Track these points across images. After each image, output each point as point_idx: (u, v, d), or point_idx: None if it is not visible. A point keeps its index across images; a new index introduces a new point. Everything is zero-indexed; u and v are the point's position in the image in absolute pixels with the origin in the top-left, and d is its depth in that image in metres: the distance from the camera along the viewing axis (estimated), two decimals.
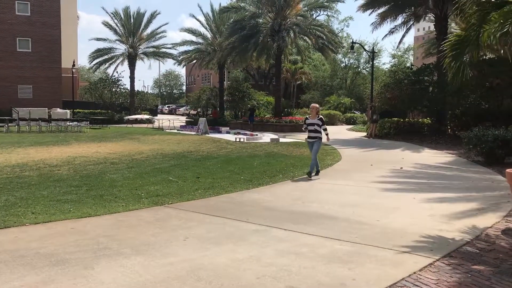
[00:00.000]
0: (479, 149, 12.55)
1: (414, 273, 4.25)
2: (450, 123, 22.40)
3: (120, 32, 43.08)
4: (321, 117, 10.70)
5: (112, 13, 42.61)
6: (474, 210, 6.94)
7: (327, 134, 10.74)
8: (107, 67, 44.42)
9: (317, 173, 10.47)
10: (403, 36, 28.34)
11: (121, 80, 41.58)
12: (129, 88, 43.05)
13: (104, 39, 43.18)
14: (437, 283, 4.02)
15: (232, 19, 34.36)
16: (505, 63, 17.87)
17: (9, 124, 26.57)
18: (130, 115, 38.53)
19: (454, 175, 10.72)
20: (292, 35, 29.26)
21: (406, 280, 4.07)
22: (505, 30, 5.69)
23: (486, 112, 19.19)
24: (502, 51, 6.04)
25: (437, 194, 8.21)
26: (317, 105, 11.09)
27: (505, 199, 7.55)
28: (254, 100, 37.12)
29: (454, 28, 30.42)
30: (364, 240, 5.28)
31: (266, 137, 22.33)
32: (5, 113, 29.59)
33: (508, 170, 6.15)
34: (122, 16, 42.97)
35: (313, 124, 10.60)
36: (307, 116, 11.01)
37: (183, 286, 3.91)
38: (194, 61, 42.00)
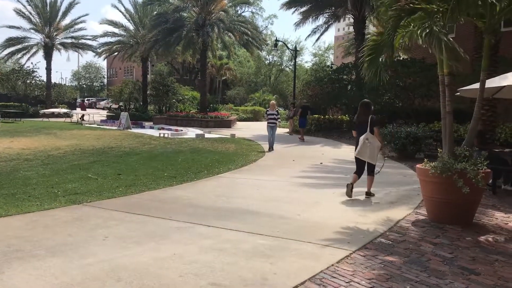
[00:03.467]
0: (393, 145, 13.33)
1: (332, 265, 4.43)
2: None
3: (35, 21, 40.47)
4: (277, 110, 16.55)
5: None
6: (388, 203, 7.37)
7: (279, 120, 16.70)
8: (21, 57, 41.64)
9: (272, 149, 15.18)
10: (321, 34, 29.36)
11: (36, 71, 39.29)
12: (45, 80, 40.70)
13: (18, 27, 40.45)
14: (353, 274, 4.22)
15: (155, 12, 33.65)
16: (417, 64, 19.13)
17: None
18: (46, 109, 36.50)
19: None
20: (216, 30, 29.26)
21: (324, 272, 4.24)
22: (426, 31, 6.05)
23: (399, 110, 20.37)
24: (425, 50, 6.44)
25: (354, 189, 8.59)
26: (274, 102, 17.29)
27: (415, 192, 8.08)
28: (179, 95, 36.55)
29: (371, 29, 31.97)
30: (285, 234, 5.42)
31: (191, 132, 22.16)
32: None
33: (418, 165, 6.58)
34: (37, 3, 40.40)
35: (272, 114, 15.88)
36: (268, 109, 16.54)
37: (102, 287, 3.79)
38: (116, 53, 40.60)
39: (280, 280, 4.03)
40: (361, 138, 7.70)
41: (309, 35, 29.56)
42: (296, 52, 35.51)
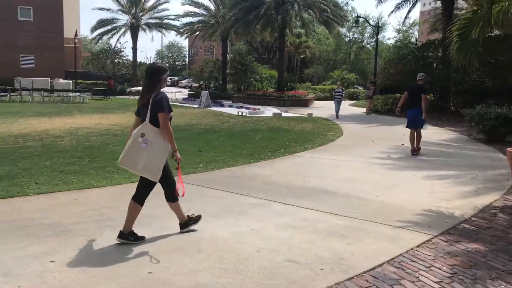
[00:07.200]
0: (481, 127, 12.53)
1: (412, 249, 4.31)
2: (453, 100, 22.28)
3: (122, 2, 42.56)
4: (342, 88, 22.52)
5: None
6: (474, 187, 6.99)
7: (343, 96, 22.78)
8: (110, 38, 44.20)
9: (338, 117, 19.97)
10: (409, 11, 28.04)
11: (123, 51, 41.45)
12: (131, 59, 42.81)
13: (107, 9, 42.92)
14: (434, 259, 4.08)
15: None
16: (510, 40, 17.70)
17: (11, 94, 26.53)
18: (132, 87, 38.41)
19: (455, 152, 10.74)
20: (296, 7, 28.88)
21: (403, 256, 4.14)
22: None
23: (489, 90, 19.06)
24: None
25: (437, 172, 8.26)
26: (340, 83, 24.91)
27: (504, 177, 7.59)
28: (257, 74, 36.78)
29: (460, 4, 29.90)
30: (362, 215, 5.34)
31: (268, 111, 22.30)
32: (8, 83, 29.41)
33: (509, 148, 6.16)
34: None
35: (338, 92, 21.13)
36: (335, 88, 23.08)
37: (183, 257, 3.98)
38: (197, 32, 41.59)
39: (357, 261, 3.99)
40: (134, 132, 4.29)
41: (393, 11, 28.40)
42: (378, 29, 34.23)
